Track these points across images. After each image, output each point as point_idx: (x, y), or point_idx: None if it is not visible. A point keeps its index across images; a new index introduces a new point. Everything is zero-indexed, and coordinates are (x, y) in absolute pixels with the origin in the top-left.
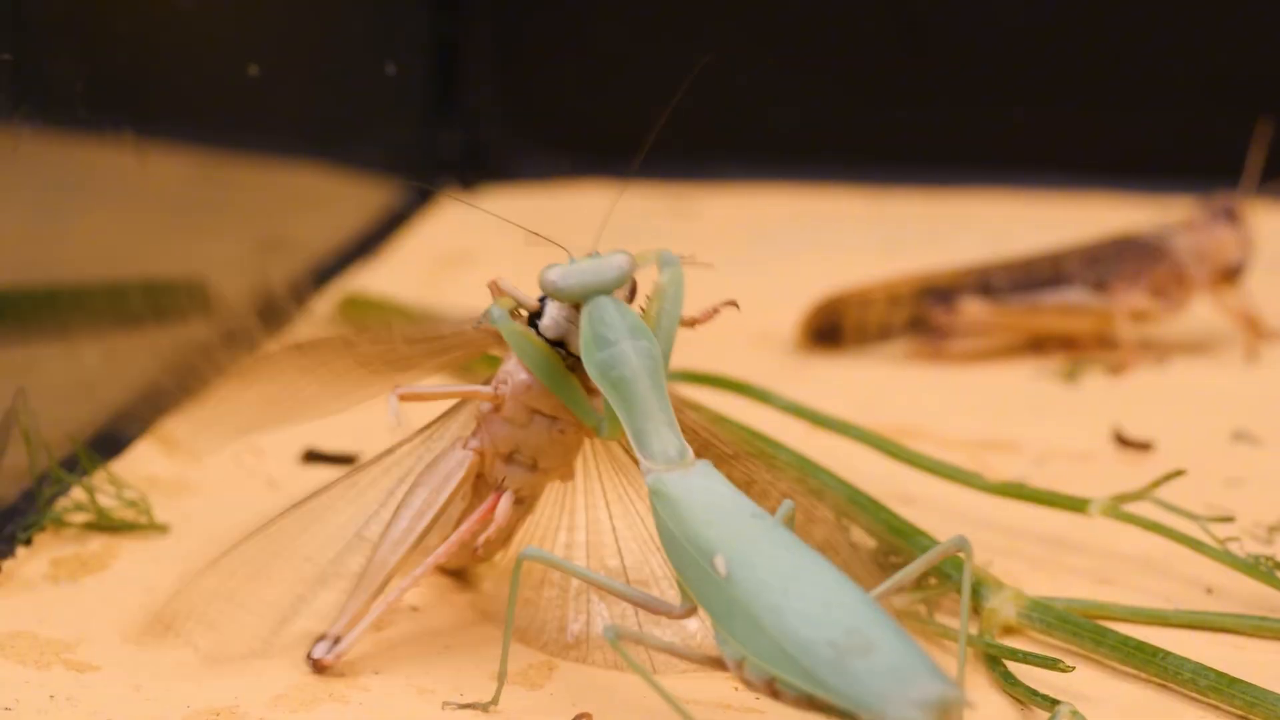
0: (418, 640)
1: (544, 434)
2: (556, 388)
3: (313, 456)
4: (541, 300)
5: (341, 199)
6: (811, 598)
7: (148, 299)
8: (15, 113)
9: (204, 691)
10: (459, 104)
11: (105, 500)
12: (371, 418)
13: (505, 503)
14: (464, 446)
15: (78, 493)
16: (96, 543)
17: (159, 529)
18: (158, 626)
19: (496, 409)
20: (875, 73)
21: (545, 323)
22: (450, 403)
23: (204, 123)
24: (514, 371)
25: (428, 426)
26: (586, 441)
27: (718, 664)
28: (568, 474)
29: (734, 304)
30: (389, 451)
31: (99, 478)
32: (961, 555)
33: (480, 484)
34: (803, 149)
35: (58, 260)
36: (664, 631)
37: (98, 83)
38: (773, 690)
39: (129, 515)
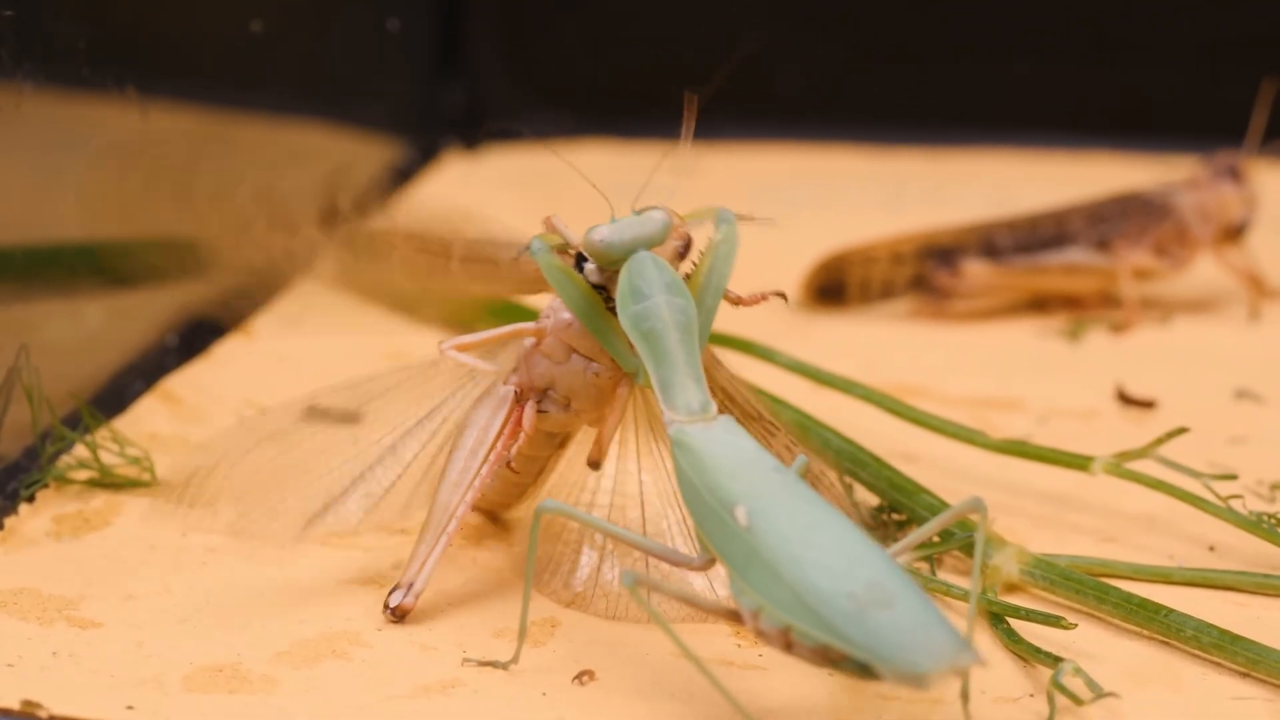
0: (420, 597)
1: (579, 374)
2: (594, 328)
3: (315, 413)
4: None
5: (344, 157)
6: (832, 550)
7: (150, 257)
8: (17, 70)
9: (206, 648)
10: (462, 61)
11: (108, 457)
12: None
13: (529, 410)
14: (504, 383)
15: (80, 450)
16: (99, 500)
17: (161, 486)
18: (186, 493)
19: (537, 344)
20: (878, 31)
21: (590, 267)
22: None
23: (206, 80)
24: (557, 308)
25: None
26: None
27: (733, 616)
28: (597, 420)
29: (782, 295)
30: (428, 372)
31: (101, 435)
32: (976, 517)
33: (516, 426)
34: (806, 107)
35: (60, 218)
36: (679, 583)
37: (100, 40)
38: (787, 641)
39: (131, 472)
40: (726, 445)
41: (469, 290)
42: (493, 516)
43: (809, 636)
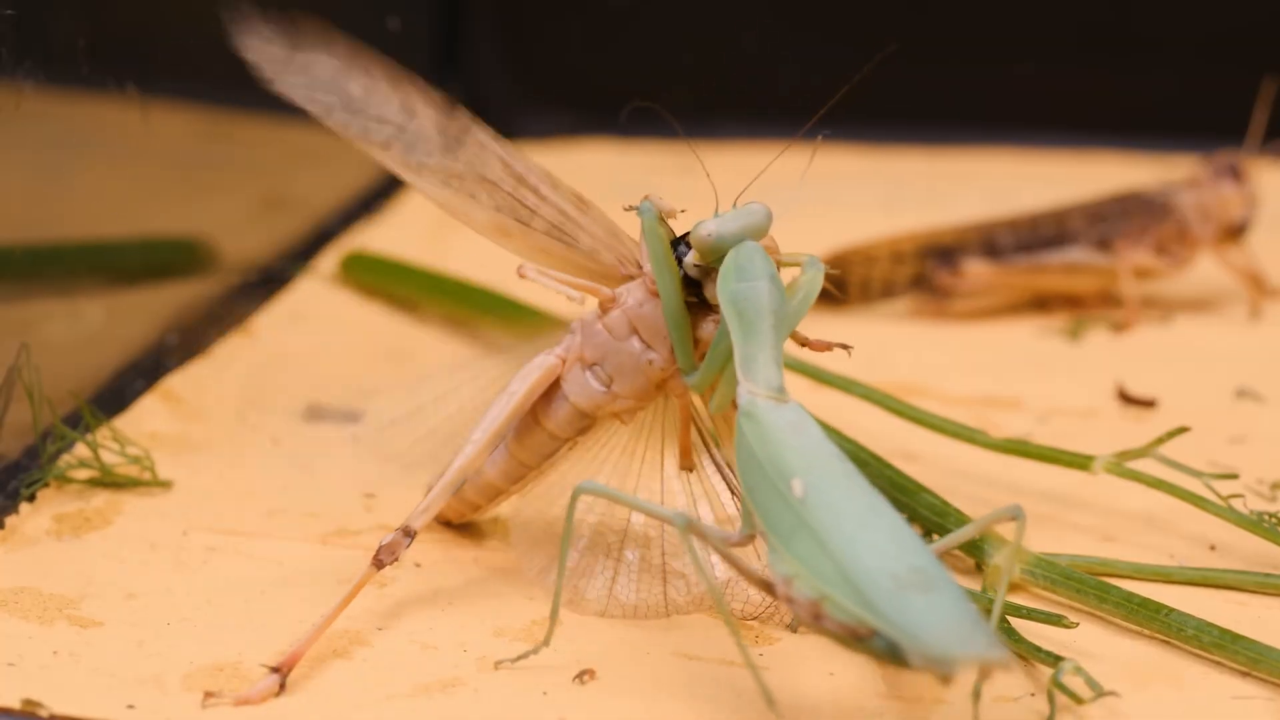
0: (421, 596)
1: (633, 356)
2: (670, 312)
3: (315, 413)
4: (686, 235)
5: (343, 157)
6: (882, 534)
7: (150, 256)
8: (18, 69)
9: (207, 647)
10: (462, 60)
11: (108, 457)
12: (373, 378)
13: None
14: (548, 352)
15: (81, 449)
16: (100, 499)
17: (162, 485)
18: None
19: (603, 314)
20: (878, 31)
21: (688, 261)
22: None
23: (207, 80)
24: (633, 290)
25: None
26: (647, 412)
27: (765, 584)
28: (630, 415)
29: (847, 348)
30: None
31: (102, 434)
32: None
33: (549, 389)
34: (804, 107)
35: (60, 217)
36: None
37: (101, 39)
38: (816, 612)
39: (132, 472)
40: (793, 424)
41: (536, 257)
42: (460, 521)
43: (842, 609)
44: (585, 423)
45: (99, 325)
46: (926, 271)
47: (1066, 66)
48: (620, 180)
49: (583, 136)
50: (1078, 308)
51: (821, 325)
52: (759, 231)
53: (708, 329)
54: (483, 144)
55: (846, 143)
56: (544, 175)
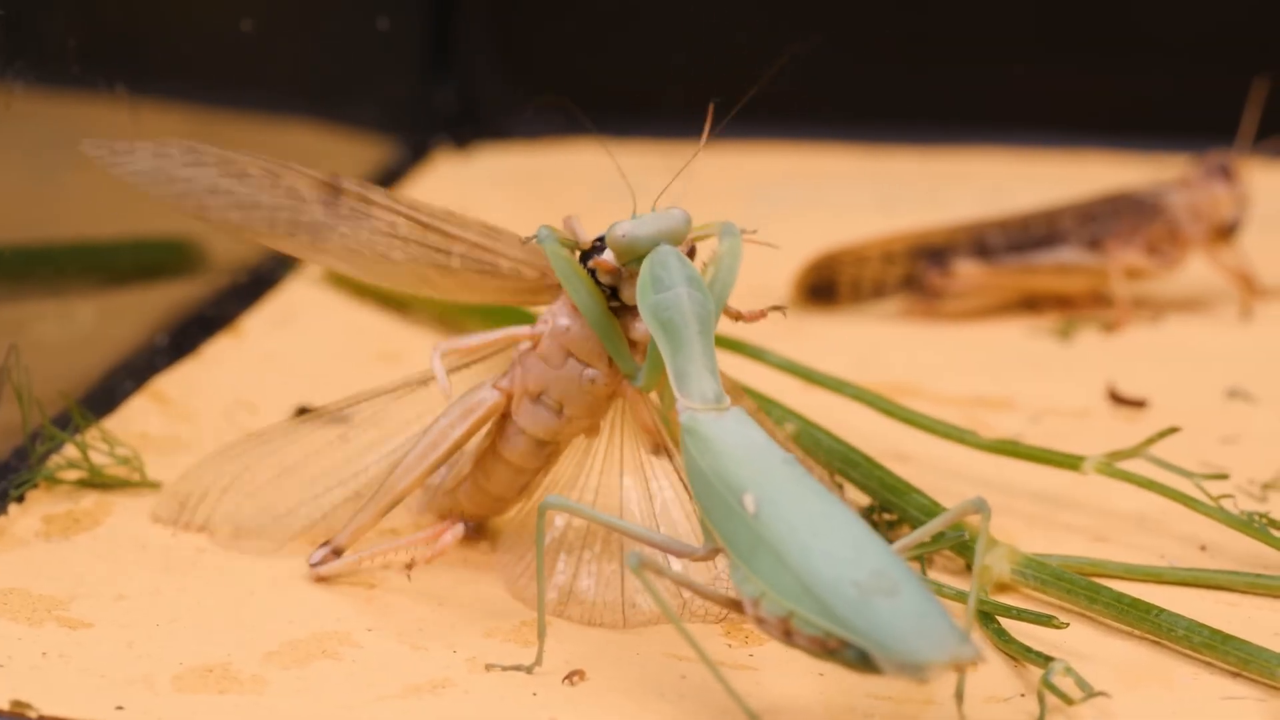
0: (410, 597)
1: (575, 380)
2: (595, 322)
3: (305, 414)
4: (596, 242)
5: (335, 156)
6: (839, 539)
7: (141, 257)
8: (8, 69)
9: (196, 648)
10: (453, 60)
11: (98, 457)
12: (363, 378)
13: (451, 535)
14: (493, 385)
15: (70, 450)
16: (89, 500)
17: (151, 486)
18: (173, 504)
19: (533, 347)
20: (871, 30)
21: (600, 273)
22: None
23: (197, 79)
24: (556, 313)
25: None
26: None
27: (733, 604)
28: (593, 429)
29: (781, 309)
30: (420, 385)
31: (91, 435)
32: (977, 518)
33: (503, 422)
34: (797, 107)
35: (51, 218)
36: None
37: (91, 39)
38: (786, 629)
39: (122, 472)
40: (737, 434)
41: (462, 295)
42: (479, 527)
43: (810, 624)
44: (549, 449)
45: (89, 326)
46: (917, 272)
47: (1058, 67)
48: (613, 181)
49: (575, 137)
50: (1069, 308)
51: (814, 326)
52: (675, 236)
53: (639, 329)
54: (366, 198)
55: (839, 143)
56: (443, 214)
